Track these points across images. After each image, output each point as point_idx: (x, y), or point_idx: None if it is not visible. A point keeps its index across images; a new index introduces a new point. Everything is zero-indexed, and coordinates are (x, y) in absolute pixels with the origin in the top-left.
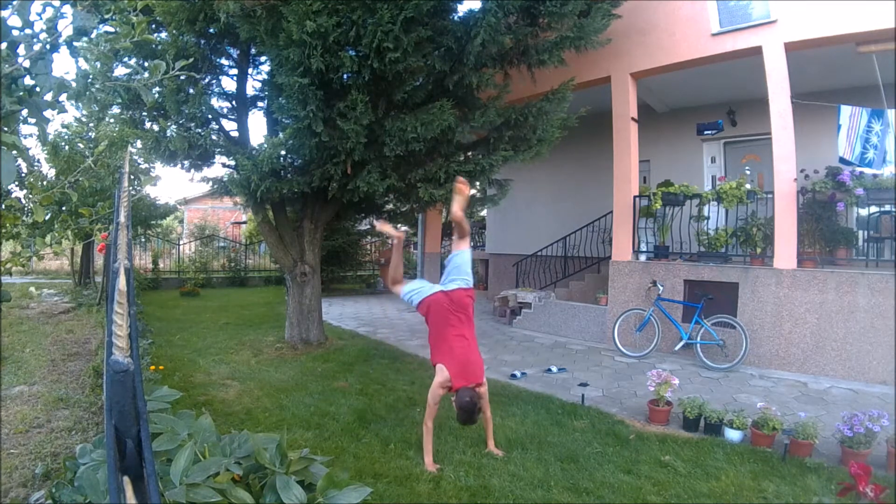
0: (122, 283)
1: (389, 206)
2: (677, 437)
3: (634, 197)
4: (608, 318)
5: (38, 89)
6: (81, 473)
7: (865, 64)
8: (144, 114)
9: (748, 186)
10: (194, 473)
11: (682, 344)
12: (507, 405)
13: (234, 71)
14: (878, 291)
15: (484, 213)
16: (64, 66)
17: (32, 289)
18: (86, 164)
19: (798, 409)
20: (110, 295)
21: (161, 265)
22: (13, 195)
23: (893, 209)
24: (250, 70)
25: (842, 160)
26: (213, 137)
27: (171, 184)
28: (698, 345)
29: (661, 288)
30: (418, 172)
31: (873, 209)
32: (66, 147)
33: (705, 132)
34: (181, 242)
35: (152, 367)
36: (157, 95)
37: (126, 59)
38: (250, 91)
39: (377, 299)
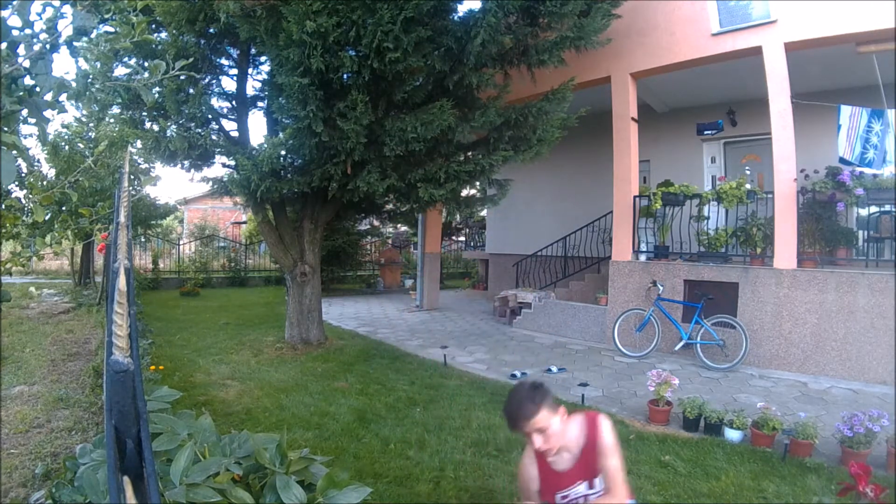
0: (122, 283)
1: (389, 206)
2: (677, 437)
3: (634, 197)
4: (608, 318)
5: (38, 89)
6: (81, 473)
7: (865, 64)
8: (144, 114)
9: (748, 186)
10: (194, 473)
11: (682, 344)
12: None
13: (234, 71)
14: (878, 291)
15: (484, 213)
16: (64, 66)
17: (32, 289)
18: (86, 164)
19: (798, 409)
20: (110, 295)
21: (161, 265)
22: (13, 195)
23: (893, 209)
24: (250, 70)
25: (842, 160)
26: (213, 137)
27: (171, 184)
28: (698, 345)
29: (661, 288)
30: (418, 172)
31: (873, 209)
32: (66, 147)
33: (705, 132)
34: (181, 242)
35: (152, 367)
36: (157, 95)
37: (126, 59)
38: (250, 91)
39: (377, 299)
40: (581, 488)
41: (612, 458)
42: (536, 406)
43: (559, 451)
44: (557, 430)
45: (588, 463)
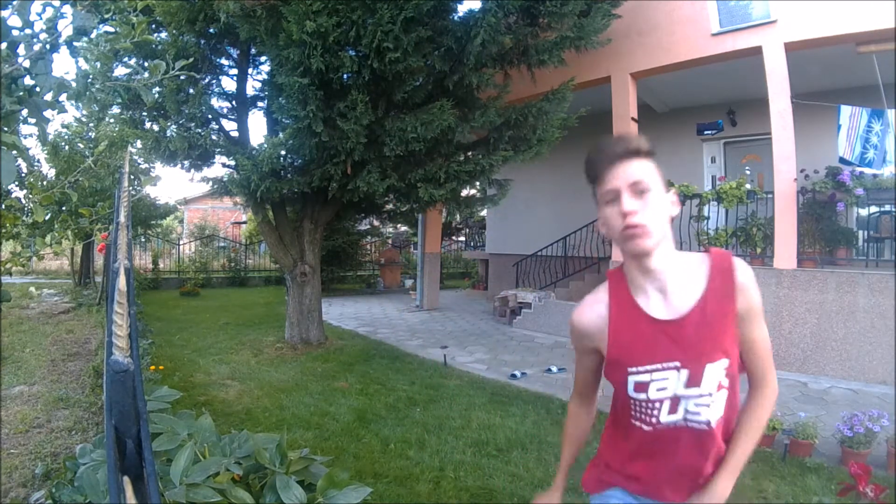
0: (122, 283)
1: (389, 206)
2: None
3: None
4: None
5: (38, 89)
6: (81, 473)
7: (865, 64)
8: (144, 114)
9: (748, 186)
10: (194, 473)
11: None
12: (507, 405)
13: (234, 71)
14: (878, 291)
15: (484, 213)
16: (64, 66)
17: (32, 289)
18: (86, 164)
19: (798, 409)
20: (110, 295)
21: (161, 265)
22: (13, 195)
23: (893, 209)
24: (250, 70)
25: (842, 160)
26: (213, 137)
27: (171, 184)
28: None
29: None
30: (418, 172)
31: (873, 209)
32: (66, 147)
33: (705, 132)
34: (181, 242)
35: (152, 367)
36: (157, 95)
37: (126, 59)
38: (250, 91)
39: (377, 299)
40: (673, 377)
41: (758, 326)
42: (647, 147)
43: (656, 277)
44: (662, 212)
45: (702, 329)
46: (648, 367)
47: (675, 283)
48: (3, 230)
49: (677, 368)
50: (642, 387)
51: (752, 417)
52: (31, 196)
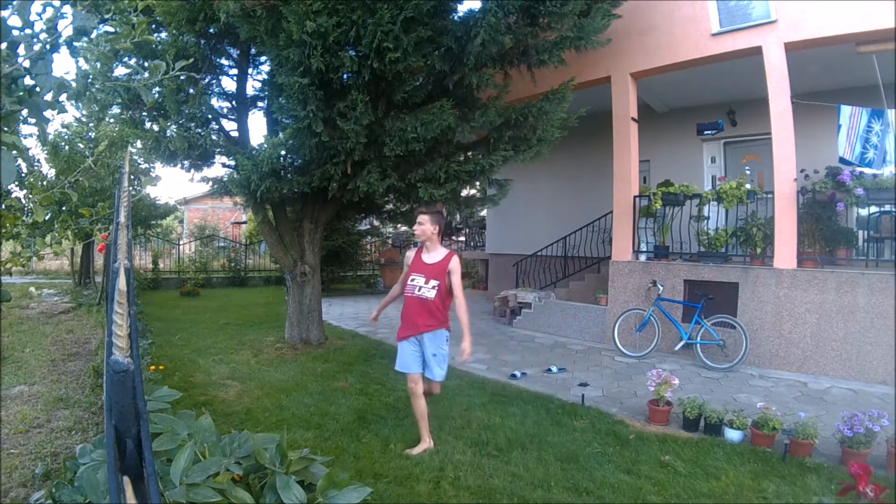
0: (122, 283)
1: (389, 206)
2: (677, 437)
3: (634, 197)
4: (608, 318)
5: (38, 89)
6: (81, 473)
7: (865, 64)
8: (144, 114)
9: (748, 186)
10: (194, 473)
11: (682, 344)
12: (507, 405)
13: (234, 71)
14: (878, 291)
15: (484, 213)
16: (64, 66)
17: (32, 289)
18: (86, 164)
19: (798, 409)
20: (110, 295)
21: (161, 265)
22: (13, 195)
23: (893, 209)
24: (250, 70)
25: (842, 160)
26: (213, 137)
27: (171, 184)
28: (698, 345)
29: (661, 288)
30: (418, 172)
31: (873, 209)
32: (66, 147)
33: (705, 132)
34: (181, 242)
35: (152, 367)
36: (157, 95)
37: (126, 59)
38: (250, 91)
39: (377, 299)
40: (421, 280)
41: (455, 276)
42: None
43: (427, 250)
44: (428, 235)
45: (434, 270)
46: (414, 274)
47: (432, 253)
48: (3, 230)
49: (422, 276)
50: (412, 280)
51: (459, 307)
52: (31, 196)
